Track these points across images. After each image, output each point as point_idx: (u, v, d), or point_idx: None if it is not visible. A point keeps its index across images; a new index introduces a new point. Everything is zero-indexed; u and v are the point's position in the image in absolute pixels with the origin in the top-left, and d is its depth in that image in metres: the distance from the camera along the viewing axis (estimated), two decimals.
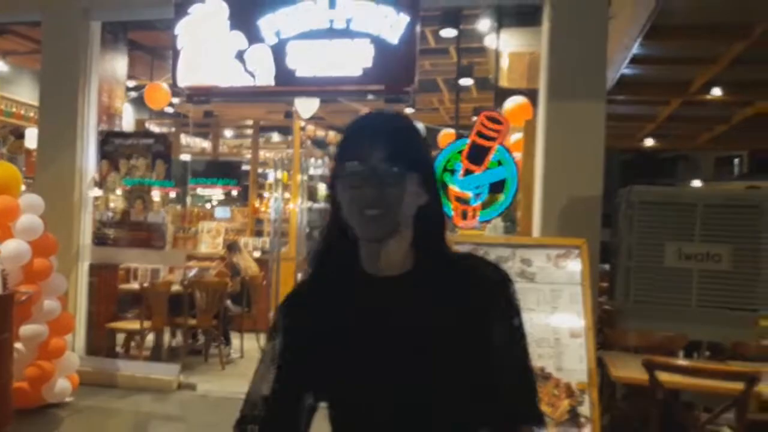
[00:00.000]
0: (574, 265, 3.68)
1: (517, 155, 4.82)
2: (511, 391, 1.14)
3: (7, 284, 4.19)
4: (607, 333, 4.45)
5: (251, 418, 1.17)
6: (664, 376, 3.20)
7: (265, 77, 4.81)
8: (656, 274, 4.50)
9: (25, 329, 4.43)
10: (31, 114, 8.13)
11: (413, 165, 1.11)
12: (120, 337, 6.03)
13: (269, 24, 4.80)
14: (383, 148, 1.10)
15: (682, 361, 3.85)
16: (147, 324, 5.71)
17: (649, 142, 10.97)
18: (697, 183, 12.79)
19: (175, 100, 7.46)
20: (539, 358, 3.55)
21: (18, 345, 4.35)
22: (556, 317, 3.61)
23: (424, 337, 1.10)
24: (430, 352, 1.09)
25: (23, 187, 5.51)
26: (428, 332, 1.10)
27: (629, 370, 3.49)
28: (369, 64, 4.63)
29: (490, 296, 1.14)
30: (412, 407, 1.09)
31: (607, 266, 5.22)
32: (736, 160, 14.21)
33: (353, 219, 1.11)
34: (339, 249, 1.17)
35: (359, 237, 1.13)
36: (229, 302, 6.46)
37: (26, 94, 8.54)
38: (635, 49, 5.95)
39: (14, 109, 8.64)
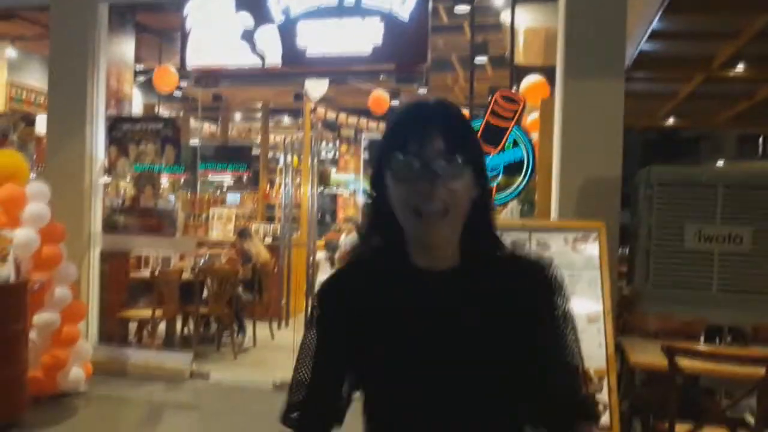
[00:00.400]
0: (593, 249, 3.59)
1: (534, 136, 4.69)
2: (563, 391, 1.10)
3: (20, 272, 4.17)
4: (626, 318, 4.36)
5: (297, 407, 1.15)
6: (684, 362, 3.10)
7: (274, 58, 4.71)
8: (676, 256, 4.37)
9: (38, 318, 4.41)
10: (41, 100, 8.08)
11: (469, 157, 1.05)
12: (132, 326, 6.01)
13: (278, 3, 4.68)
14: (440, 139, 1.03)
15: (702, 346, 3.74)
16: (159, 312, 5.68)
17: (670, 120, 10.76)
18: (720, 163, 12.55)
19: (184, 84, 7.38)
20: None
21: (31, 334, 4.33)
22: (574, 302, 3.50)
23: (470, 335, 1.06)
24: (475, 350, 1.06)
25: (33, 175, 5.49)
26: (475, 331, 1.06)
27: (648, 355, 3.39)
28: (379, 42, 4.51)
29: (539, 299, 1.10)
30: (454, 403, 1.06)
31: (626, 250, 5.10)
32: (761, 139, 13.90)
33: (406, 215, 1.05)
34: (384, 240, 1.12)
35: (412, 233, 1.07)
36: (240, 289, 6.41)
37: (36, 79, 8.50)
38: (655, 24, 5.78)
39: (24, 96, 8.61)
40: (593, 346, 3.46)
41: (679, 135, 13.62)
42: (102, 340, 5.48)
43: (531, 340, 1.07)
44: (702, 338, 4.11)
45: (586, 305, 3.51)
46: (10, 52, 8.32)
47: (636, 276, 4.62)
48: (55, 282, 4.50)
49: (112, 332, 5.60)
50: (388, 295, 1.09)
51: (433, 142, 1.03)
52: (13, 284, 4.04)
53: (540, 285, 1.11)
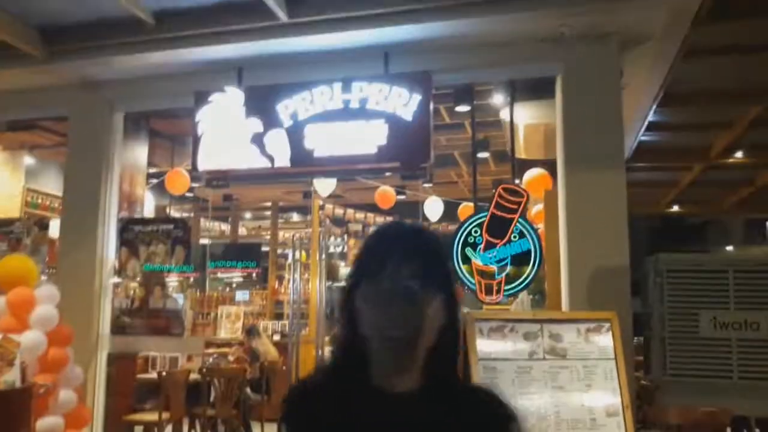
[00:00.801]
0: (606, 339, 3.53)
1: (540, 227, 4.74)
2: None
3: (25, 377, 4.12)
4: (645, 410, 4.22)
5: None
6: None
7: (283, 159, 4.86)
8: (692, 345, 4.29)
9: (42, 423, 4.31)
10: (56, 205, 8.29)
11: (441, 284, 1.07)
12: (138, 430, 5.84)
13: (286, 108, 4.89)
14: (413, 265, 1.04)
15: None
16: (165, 415, 5.54)
17: (674, 207, 10.87)
18: (729, 248, 12.51)
19: (195, 185, 7.57)
20: None
21: None
22: (591, 395, 3.43)
23: None
24: None
25: (45, 277, 5.54)
26: None
27: None
28: (384, 142, 4.66)
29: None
30: None
31: (641, 338, 5.00)
32: None
33: (373, 337, 1.05)
34: (350, 359, 1.11)
35: (378, 357, 1.07)
36: (248, 390, 6.27)
37: (51, 185, 8.75)
38: (651, 117, 5.97)
39: (40, 201, 8.83)
40: None
41: (686, 221, 13.68)
42: None
43: None
44: (729, 431, 3.96)
45: (604, 398, 3.41)
46: (28, 160, 8.63)
47: (653, 366, 4.51)
48: (60, 385, 4.44)
49: None
50: (347, 416, 1.07)
51: (406, 267, 1.03)
52: (18, 389, 3.98)
53: (497, 418, 1.10)
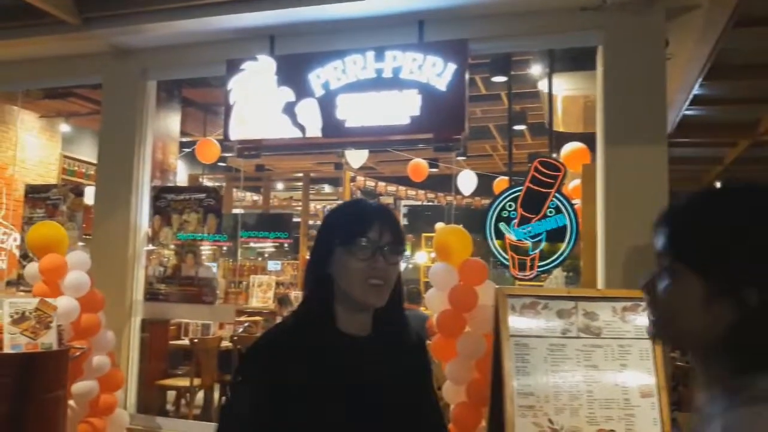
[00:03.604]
0: (643, 319, 3.43)
1: (577, 202, 4.61)
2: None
3: (62, 340, 4.21)
4: (681, 391, 4.12)
5: None
6: None
7: (314, 129, 4.80)
8: None
9: (77, 386, 4.41)
10: (92, 172, 8.42)
11: (404, 249, 1.40)
12: (171, 395, 5.96)
13: (318, 78, 4.82)
14: (390, 232, 1.34)
15: None
16: (197, 381, 5.63)
17: (717, 185, 10.53)
18: None
19: (228, 155, 7.59)
20: (607, 420, 3.28)
21: (70, 402, 4.33)
22: (625, 375, 3.35)
23: (393, 392, 1.32)
24: (398, 405, 1.31)
25: (81, 244, 5.62)
26: (397, 388, 1.33)
27: None
28: (417, 112, 4.56)
29: (425, 353, 1.52)
30: None
31: None
32: None
33: (356, 286, 1.31)
34: (319, 307, 1.34)
35: (359, 301, 1.33)
36: None
37: (87, 153, 8.88)
38: (696, 90, 5.73)
39: (76, 168, 8.98)
40: (647, 423, 3.26)
41: None
42: (140, 408, 5.43)
43: (426, 390, 1.45)
44: None
45: (638, 378, 3.34)
46: (64, 127, 8.75)
47: None
48: (93, 350, 4.52)
49: (150, 401, 5.55)
50: (319, 360, 1.27)
51: (386, 233, 1.34)
52: (55, 351, 4.07)
53: (421, 344, 1.50)
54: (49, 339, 4.03)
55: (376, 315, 1.38)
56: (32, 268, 4.54)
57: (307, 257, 10.06)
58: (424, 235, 12.44)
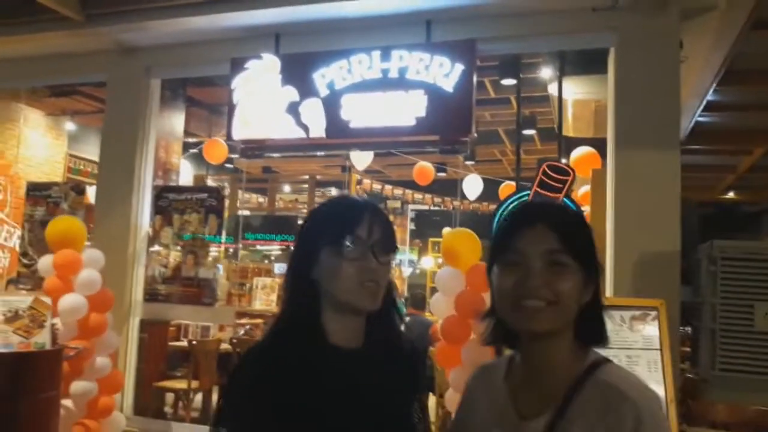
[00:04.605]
0: (652, 329, 3.31)
1: (587, 209, 4.49)
2: None
3: (56, 339, 4.13)
4: (690, 405, 3.99)
5: None
6: None
7: (318, 130, 4.72)
8: (745, 339, 4.02)
9: (76, 386, 4.33)
10: (97, 171, 8.37)
11: (395, 247, 1.26)
12: (169, 397, 5.88)
13: (322, 77, 4.73)
14: (381, 231, 1.22)
15: None
16: (195, 384, 5.55)
17: (730, 194, 10.35)
18: None
19: (234, 156, 7.53)
20: None
21: (68, 402, 4.25)
22: None
23: (385, 408, 1.20)
24: (390, 423, 1.20)
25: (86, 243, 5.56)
26: (388, 405, 1.21)
27: None
28: (423, 114, 4.46)
29: (417, 365, 1.36)
30: None
31: (688, 329, 4.74)
32: None
33: (347, 289, 1.18)
34: (305, 318, 1.20)
35: (351, 306, 1.20)
36: None
37: (93, 152, 8.84)
38: (710, 96, 5.60)
39: (82, 167, 8.95)
40: None
41: (740, 209, 13.06)
42: (137, 410, 5.35)
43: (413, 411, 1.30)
44: None
45: None
46: (70, 125, 8.72)
47: (701, 359, 4.26)
48: (96, 350, 4.45)
49: (148, 403, 5.47)
50: (310, 376, 1.14)
51: (376, 230, 1.21)
52: (47, 351, 3.98)
53: (417, 364, 1.35)
54: (42, 338, 3.95)
55: (368, 321, 1.25)
56: (46, 262, 4.47)
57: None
58: (431, 239, 12.33)
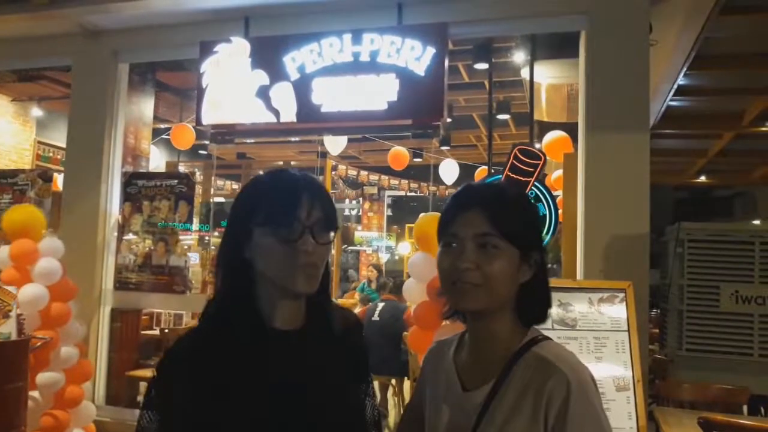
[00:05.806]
0: (620, 310, 3.34)
1: (560, 193, 4.51)
2: None
3: (23, 330, 4.06)
4: (658, 385, 4.06)
5: None
6: None
7: (289, 114, 4.66)
8: (711, 319, 4.11)
9: (42, 377, 4.26)
10: (64, 158, 8.22)
11: (335, 225, 1.19)
12: (142, 386, 5.82)
13: (293, 61, 4.68)
14: (320, 209, 1.14)
15: (745, 419, 3.41)
16: None
17: (701, 178, 10.50)
18: (756, 223, 12.15)
19: (207, 142, 7.43)
20: None
21: (35, 393, 4.19)
22: (601, 368, 3.25)
23: (326, 390, 1.16)
24: (332, 405, 1.16)
25: (50, 230, 5.45)
26: (330, 387, 1.17)
27: (684, 428, 3.11)
28: (395, 98, 4.43)
29: (361, 359, 1.29)
30: None
31: (657, 311, 4.81)
32: None
33: (282, 271, 1.12)
34: (239, 300, 1.15)
35: (286, 288, 1.14)
36: None
37: (62, 138, 8.65)
38: (681, 80, 5.64)
39: (51, 154, 8.77)
40: (622, 417, 3.17)
41: (712, 193, 13.27)
42: (109, 400, 5.30)
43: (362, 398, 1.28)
44: (745, 410, 3.79)
45: (614, 371, 3.24)
46: (37, 111, 8.52)
47: (669, 340, 4.33)
48: (61, 340, 4.37)
49: (121, 392, 5.41)
50: (247, 357, 1.10)
51: (316, 209, 1.13)
52: (13, 342, 3.91)
53: (359, 345, 1.30)
54: (7, 329, 3.88)
55: (308, 301, 1.20)
56: (2, 253, 4.37)
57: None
58: (407, 225, 12.33)
